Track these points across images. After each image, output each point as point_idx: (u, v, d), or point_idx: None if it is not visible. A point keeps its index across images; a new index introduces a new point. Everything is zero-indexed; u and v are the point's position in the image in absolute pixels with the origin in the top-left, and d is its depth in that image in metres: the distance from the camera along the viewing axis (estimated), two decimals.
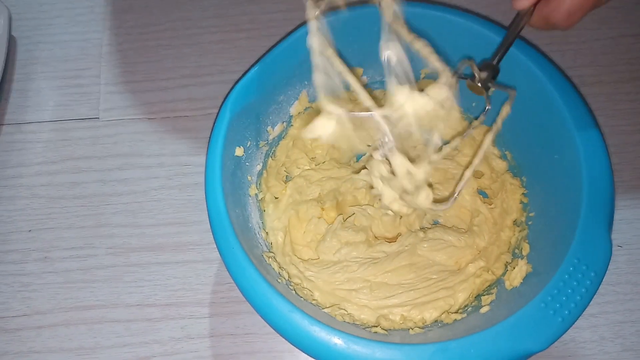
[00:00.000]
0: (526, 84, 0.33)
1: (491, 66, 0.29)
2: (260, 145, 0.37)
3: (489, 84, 0.29)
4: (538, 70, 0.32)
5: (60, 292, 0.38)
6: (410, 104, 0.29)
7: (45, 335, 0.36)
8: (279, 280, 0.32)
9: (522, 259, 0.32)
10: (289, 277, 0.33)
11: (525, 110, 0.34)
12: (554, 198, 0.32)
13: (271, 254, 0.34)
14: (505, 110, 0.31)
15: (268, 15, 0.47)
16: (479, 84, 0.29)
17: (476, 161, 0.32)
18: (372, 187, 0.33)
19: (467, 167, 0.34)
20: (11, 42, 0.45)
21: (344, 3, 0.31)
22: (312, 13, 0.29)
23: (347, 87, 0.30)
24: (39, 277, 0.38)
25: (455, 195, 0.32)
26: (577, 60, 0.44)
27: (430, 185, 0.35)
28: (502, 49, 0.29)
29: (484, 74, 0.29)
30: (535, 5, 0.28)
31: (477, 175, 0.38)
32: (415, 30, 0.35)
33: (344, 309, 0.33)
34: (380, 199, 0.33)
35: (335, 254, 0.35)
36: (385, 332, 0.31)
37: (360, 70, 0.39)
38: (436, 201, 0.36)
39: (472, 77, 0.30)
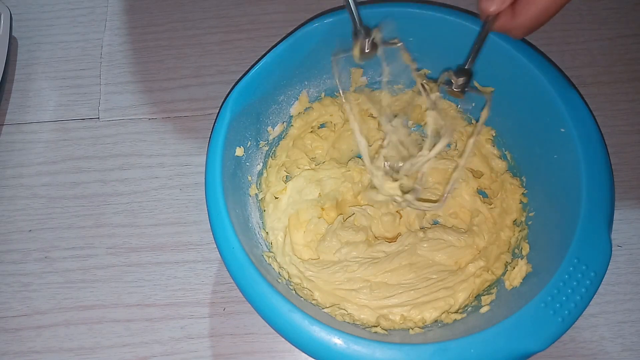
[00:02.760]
0: (525, 84, 0.33)
1: (465, 71, 0.31)
2: (261, 145, 0.37)
3: (465, 89, 0.31)
4: (537, 70, 0.32)
5: (60, 292, 0.38)
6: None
7: (45, 335, 0.36)
8: (279, 280, 0.32)
9: (522, 258, 0.32)
10: (289, 277, 0.34)
11: (525, 110, 0.34)
12: (554, 198, 0.32)
13: (271, 254, 0.34)
14: (484, 114, 0.33)
15: (268, 16, 0.47)
16: (456, 90, 0.31)
17: (462, 162, 0.34)
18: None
19: (455, 168, 0.35)
20: (12, 42, 0.45)
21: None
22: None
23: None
24: (39, 277, 0.38)
25: (445, 195, 0.33)
26: (576, 61, 0.44)
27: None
28: (473, 54, 0.31)
29: (460, 80, 0.31)
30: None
31: (477, 175, 0.38)
32: (415, 30, 0.35)
33: (344, 309, 0.33)
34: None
35: (335, 254, 0.35)
36: (385, 332, 0.31)
37: (360, 71, 0.39)
38: (430, 201, 0.36)
39: (450, 83, 0.32)
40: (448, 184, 0.34)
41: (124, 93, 0.44)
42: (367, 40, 0.32)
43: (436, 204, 0.34)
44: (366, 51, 0.32)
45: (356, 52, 0.33)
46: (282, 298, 0.28)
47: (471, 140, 0.33)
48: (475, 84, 0.36)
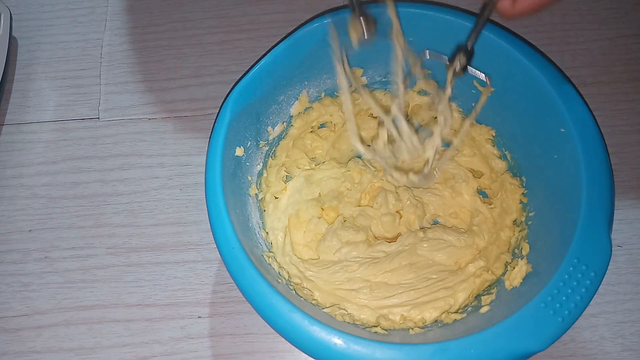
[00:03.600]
0: (525, 84, 0.33)
1: (465, 49, 0.31)
2: (261, 145, 0.37)
3: (466, 68, 0.32)
4: (537, 70, 0.32)
5: (60, 292, 0.38)
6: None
7: (45, 335, 0.36)
8: (279, 280, 0.32)
9: (522, 259, 0.32)
10: (289, 277, 0.34)
11: (525, 110, 0.34)
12: (554, 198, 0.32)
13: (271, 254, 0.34)
14: (484, 97, 0.33)
15: (268, 16, 0.47)
16: (456, 69, 0.32)
17: (455, 142, 0.35)
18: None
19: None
20: (12, 42, 0.45)
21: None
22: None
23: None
24: (39, 277, 0.38)
25: (435, 172, 0.34)
26: (576, 61, 0.44)
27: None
28: (475, 33, 0.31)
29: (462, 59, 0.32)
30: None
31: (477, 175, 0.38)
32: (415, 30, 0.35)
33: (344, 309, 0.33)
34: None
35: (336, 254, 0.35)
36: (385, 332, 0.31)
37: (360, 71, 0.39)
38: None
39: (451, 59, 0.32)
40: (439, 159, 0.35)
41: (124, 93, 0.44)
42: (365, 23, 0.32)
43: (425, 180, 0.35)
44: (364, 30, 0.32)
45: (353, 33, 0.32)
46: (282, 298, 0.28)
47: (467, 122, 0.34)
48: (475, 83, 0.36)
